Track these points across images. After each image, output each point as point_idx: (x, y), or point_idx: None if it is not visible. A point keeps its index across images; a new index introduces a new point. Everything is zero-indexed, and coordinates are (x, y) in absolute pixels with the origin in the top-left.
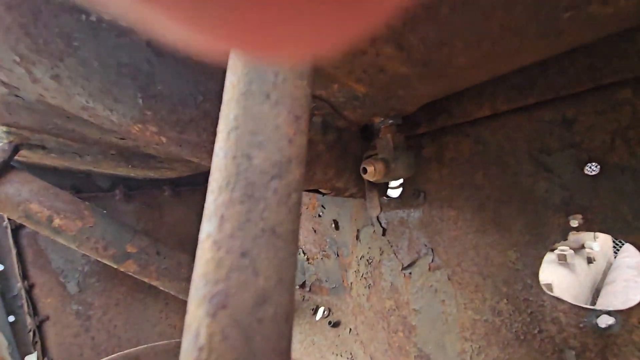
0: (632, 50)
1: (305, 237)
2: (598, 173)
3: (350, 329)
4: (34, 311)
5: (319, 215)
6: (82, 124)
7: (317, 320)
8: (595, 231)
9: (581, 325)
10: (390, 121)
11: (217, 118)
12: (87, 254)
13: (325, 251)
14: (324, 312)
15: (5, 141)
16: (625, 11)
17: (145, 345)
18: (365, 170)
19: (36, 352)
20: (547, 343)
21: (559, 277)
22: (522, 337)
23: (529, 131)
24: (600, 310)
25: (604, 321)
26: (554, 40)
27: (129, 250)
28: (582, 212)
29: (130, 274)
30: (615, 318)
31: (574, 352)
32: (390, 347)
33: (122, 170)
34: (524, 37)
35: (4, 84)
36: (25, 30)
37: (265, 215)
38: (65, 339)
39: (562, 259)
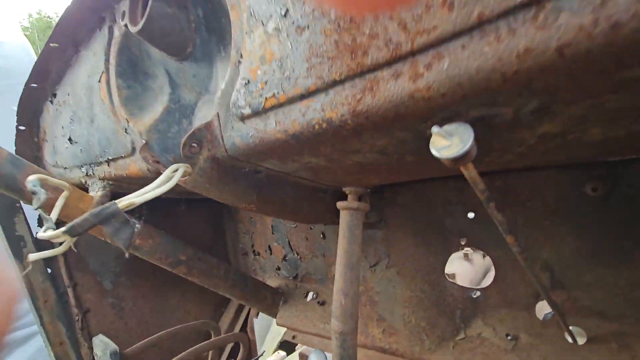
0: None
1: (300, 243)
2: (474, 217)
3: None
4: (78, 305)
5: (311, 228)
6: None
7: (308, 301)
8: (472, 247)
9: (465, 296)
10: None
11: None
12: (154, 262)
13: (314, 253)
14: (313, 295)
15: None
16: None
17: (167, 330)
18: None
19: (101, 334)
20: (448, 306)
21: (461, 268)
22: (435, 304)
23: (441, 191)
24: (473, 288)
25: (475, 294)
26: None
27: (181, 258)
28: (466, 237)
29: (181, 275)
30: (480, 292)
31: (459, 311)
32: (361, 315)
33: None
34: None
35: None
36: None
37: None
38: (104, 326)
39: (466, 256)
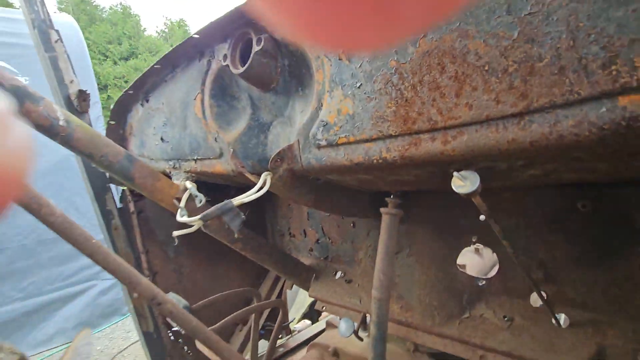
0: None
1: (332, 230)
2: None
3: (359, 284)
4: (149, 267)
5: (342, 218)
6: None
7: (337, 279)
8: (481, 243)
9: (472, 284)
10: None
11: None
12: (218, 238)
13: (344, 239)
14: (341, 274)
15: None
16: None
17: (222, 293)
18: None
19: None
20: (457, 291)
21: (472, 260)
22: (446, 288)
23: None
24: (480, 277)
25: (481, 282)
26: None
27: (238, 236)
28: (477, 235)
29: (237, 249)
30: (485, 281)
31: (466, 295)
32: None
33: None
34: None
35: None
36: None
37: None
38: (168, 286)
39: (477, 251)
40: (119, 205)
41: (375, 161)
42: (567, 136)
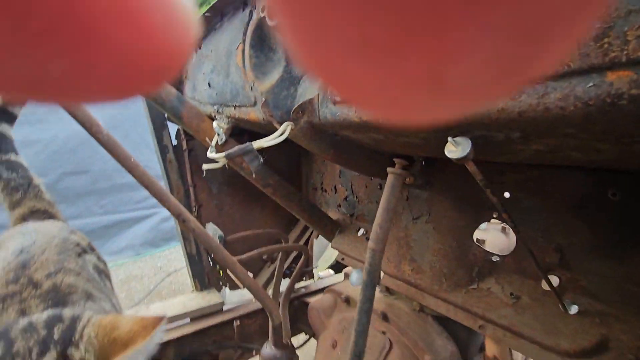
0: None
1: (360, 189)
2: (510, 196)
3: None
4: (195, 199)
5: (371, 179)
6: None
7: (359, 236)
8: (501, 220)
9: (486, 258)
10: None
11: None
12: (251, 181)
13: (370, 199)
14: (363, 231)
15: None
16: None
17: (254, 230)
18: None
19: (211, 222)
20: (468, 262)
21: (495, 237)
22: (458, 258)
23: (484, 171)
24: (494, 253)
25: (495, 258)
26: None
27: (270, 182)
28: (498, 212)
29: (268, 194)
30: (500, 258)
31: (477, 268)
32: (397, 254)
33: None
34: None
35: None
36: None
37: None
38: (209, 218)
39: (503, 229)
40: (174, 142)
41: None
42: (553, 109)
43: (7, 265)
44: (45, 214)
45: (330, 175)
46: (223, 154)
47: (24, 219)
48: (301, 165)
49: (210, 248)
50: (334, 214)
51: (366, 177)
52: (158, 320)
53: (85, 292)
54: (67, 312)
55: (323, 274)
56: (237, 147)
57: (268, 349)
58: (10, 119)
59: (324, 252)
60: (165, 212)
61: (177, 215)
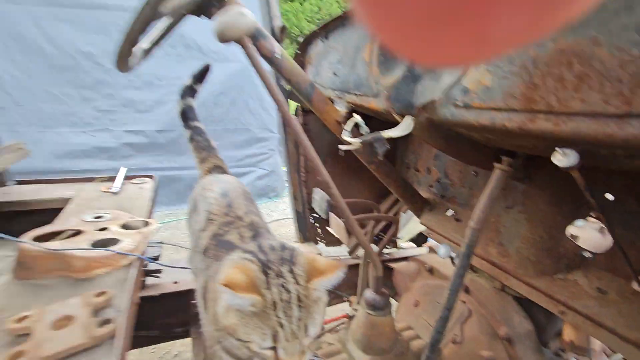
0: None
1: (454, 174)
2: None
3: (466, 225)
4: (305, 168)
5: (467, 166)
6: None
7: (448, 215)
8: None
9: (577, 253)
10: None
11: None
12: (359, 157)
13: (463, 184)
14: (452, 212)
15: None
16: None
17: (352, 199)
18: None
19: (318, 187)
20: (557, 255)
21: (590, 236)
22: (546, 250)
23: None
24: (587, 250)
25: (587, 254)
26: None
27: (374, 160)
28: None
29: (370, 169)
30: (592, 255)
31: (566, 260)
32: (486, 237)
33: None
34: None
35: None
36: None
37: None
38: (314, 184)
39: (601, 229)
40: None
41: (498, 127)
42: None
43: (219, 202)
44: (221, 169)
45: (426, 157)
46: (359, 139)
47: (209, 171)
48: (397, 145)
49: (341, 210)
50: (424, 193)
51: (461, 164)
52: (342, 264)
53: (265, 228)
54: (287, 244)
55: (405, 244)
56: (371, 135)
57: (370, 294)
58: (194, 93)
59: (406, 225)
60: (261, 172)
61: (326, 183)
